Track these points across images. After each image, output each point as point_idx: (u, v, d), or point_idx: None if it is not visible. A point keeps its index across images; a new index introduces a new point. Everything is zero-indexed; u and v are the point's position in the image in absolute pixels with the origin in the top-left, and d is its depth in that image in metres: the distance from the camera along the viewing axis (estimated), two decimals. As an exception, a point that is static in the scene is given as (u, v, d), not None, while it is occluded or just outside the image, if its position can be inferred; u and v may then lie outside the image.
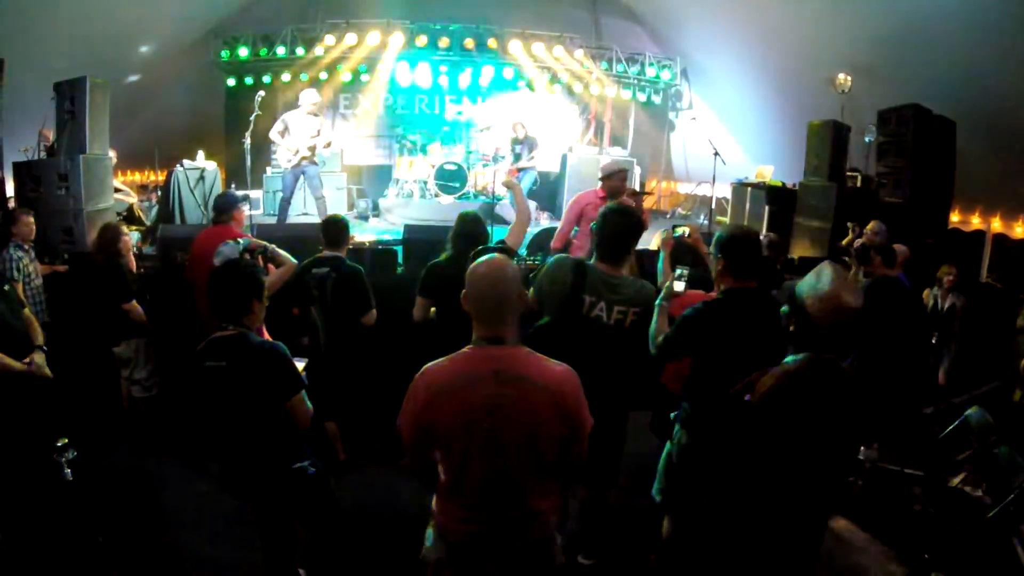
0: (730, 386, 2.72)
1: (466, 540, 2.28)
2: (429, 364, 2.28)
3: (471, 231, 4.35)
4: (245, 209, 5.51)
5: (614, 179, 5.78)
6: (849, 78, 8.72)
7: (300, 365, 3.25)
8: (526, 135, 11.00)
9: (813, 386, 2.40)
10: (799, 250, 8.27)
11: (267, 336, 3.11)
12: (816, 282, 2.39)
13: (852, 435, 2.53)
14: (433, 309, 4.42)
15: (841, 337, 2.40)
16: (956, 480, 4.44)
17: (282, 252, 4.22)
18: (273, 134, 8.76)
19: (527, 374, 2.19)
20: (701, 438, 3.21)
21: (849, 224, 6.86)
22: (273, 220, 9.32)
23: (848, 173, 8.61)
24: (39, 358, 3.93)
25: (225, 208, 5.15)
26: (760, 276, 3.22)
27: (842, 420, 2.41)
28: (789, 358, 2.49)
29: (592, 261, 3.39)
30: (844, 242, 6.63)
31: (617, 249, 3.35)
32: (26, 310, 4.24)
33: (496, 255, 2.33)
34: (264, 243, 4.22)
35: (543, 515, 2.30)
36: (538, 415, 2.17)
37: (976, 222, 8.33)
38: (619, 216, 3.39)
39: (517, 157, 11.18)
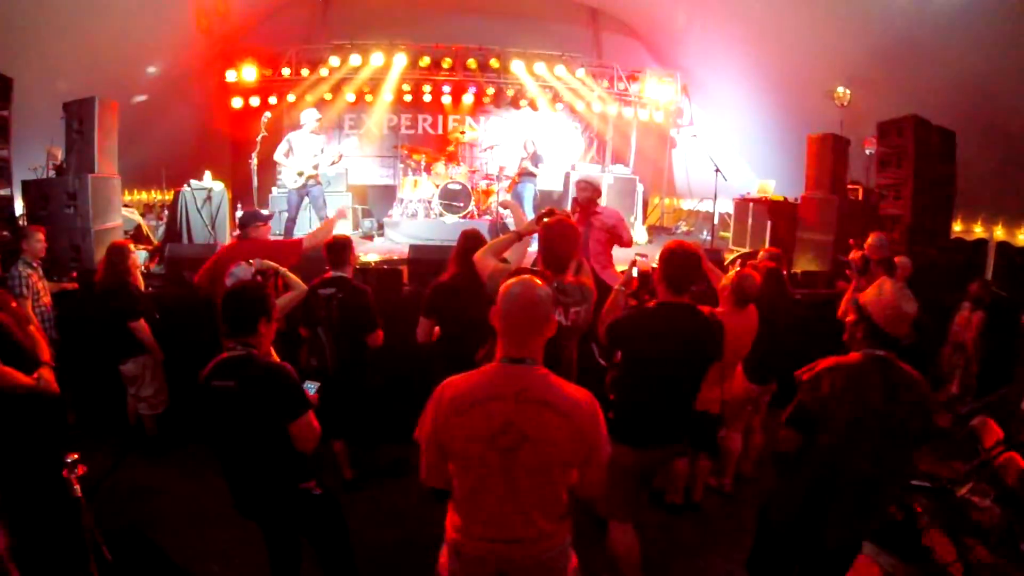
0: (650, 395, 3.32)
1: (480, 556, 2.30)
2: (451, 378, 2.32)
3: (473, 250, 4.38)
4: (269, 227, 5.60)
5: (579, 193, 5.99)
6: (848, 91, 8.78)
7: (313, 387, 3.28)
8: (535, 151, 11.05)
9: (865, 377, 2.74)
10: (802, 264, 8.28)
11: (275, 357, 3.13)
12: (879, 294, 2.82)
13: (907, 427, 2.71)
14: (437, 329, 4.47)
15: (898, 337, 2.78)
16: (964, 490, 4.44)
17: (293, 277, 4.29)
18: (278, 156, 8.83)
19: (548, 398, 2.21)
20: (628, 443, 3.38)
21: (851, 241, 6.86)
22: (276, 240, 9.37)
23: (849, 186, 8.65)
24: (47, 373, 3.96)
25: (246, 224, 5.27)
26: (703, 297, 3.49)
27: (894, 409, 2.69)
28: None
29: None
30: (847, 258, 6.59)
31: (559, 258, 3.60)
32: (31, 327, 4.27)
33: (529, 276, 2.37)
34: (276, 266, 4.29)
35: (555, 537, 2.31)
36: (554, 438, 2.19)
37: (979, 231, 8.33)
38: (556, 228, 3.64)
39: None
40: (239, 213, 10.14)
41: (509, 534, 2.26)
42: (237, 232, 5.45)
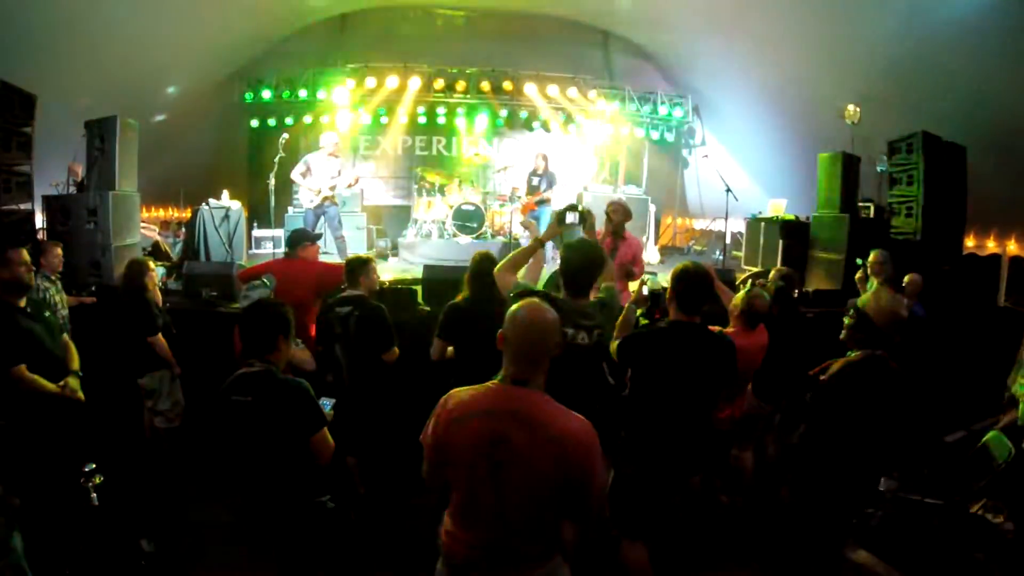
0: (662, 417, 3.37)
1: (467, 564, 2.33)
2: (455, 389, 2.39)
3: (486, 271, 4.42)
4: (317, 247, 5.83)
5: (612, 215, 5.99)
6: (858, 109, 8.79)
7: (328, 403, 3.33)
8: (546, 169, 11.03)
9: (868, 373, 3.17)
10: (814, 283, 8.27)
11: (291, 373, 3.19)
12: (876, 300, 3.27)
13: (898, 415, 3.19)
14: (451, 349, 4.52)
15: (893, 338, 3.23)
16: (977, 507, 4.39)
17: (304, 356, 4.39)
18: (295, 175, 8.97)
19: (543, 420, 2.24)
20: (640, 462, 3.44)
21: (858, 260, 6.80)
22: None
23: (861, 204, 8.64)
24: (73, 382, 4.05)
25: (296, 243, 5.53)
26: (714, 317, 3.69)
27: (888, 401, 3.14)
28: (851, 352, 3.35)
29: (562, 295, 3.56)
30: (857, 276, 6.49)
31: (582, 282, 3.53)
32: (64, 336, 4.37)
33: (537, 300, 2.42)
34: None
35: (534, 557, 2.33)
36: (542, 461, 2.21)
37: (991, 246, 8.29)
38: (580, 251, 3.57)
39: (534, 190, 11.05)
40: (256, 232, 10.29)
41: (492, 546, 2.30)
42: (285, 249, 5.59)
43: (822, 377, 3.27)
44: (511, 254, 3.91)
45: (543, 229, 10.67)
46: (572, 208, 3.94)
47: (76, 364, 4.21)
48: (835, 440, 3.20)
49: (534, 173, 11.09)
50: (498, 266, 3.79)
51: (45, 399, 3.90)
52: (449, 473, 2.37)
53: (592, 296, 3.62)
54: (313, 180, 8.88)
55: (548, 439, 2.21)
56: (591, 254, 3.57)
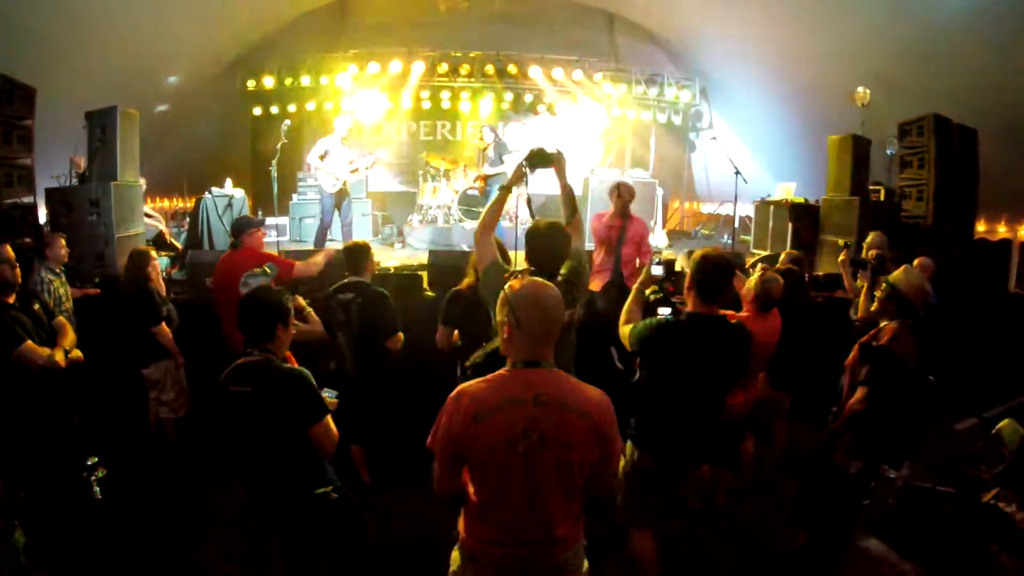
0: (675, 407, 3.33)
1: (496, 562, 2.28)
2: (465, 385, 2.29)
3: None
4: (263, 232, 5.59)
5: (625, 196, 6.06)
6: (868, 91, 8.68)
7: (332, 394, 3.28)
8: (495, 140, 10.72)
9: (916, 336, 3.52)
10: (825, 266, 8.18)
11: (293, 362, 3.15)
12: (907, 276, 3.64)
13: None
14: (456, 333, 4.48)
15: (919, 311, 3.59)
16: (989, 496, 4.35)
17: (315, 317, 4.19)
18: (313, 159, 8.92)
19: (566, 399, 2.22)
20: (650, 450, 3.39)
21: (840, 241, 6.59)
22: (298, 246, 9.50)
23: (871, 187, 8.54)
24: (57, 354, 3.96)
25: (239, 231, 5.31)
26: (726, 301, 3.54)
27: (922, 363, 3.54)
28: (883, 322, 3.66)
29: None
30: (840, 259, 6.15)
31: (550, 266, 3.30)
32: (60, 318, 4.33)
33: (539, 279, 2.36)
34: (304, 305, 4.14)
35: (572, 539, 2.32)
36: (574, 439, 2.20)
37: (1002, 231, 8.22)
38: (545, 235, 3.37)
39: (493, 163, 10.68)
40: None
41: (527, 538, 2.26)
42: (231, 240, 5.44)
43: (879, 342, 3.47)
44: (483, 213, 3.57)
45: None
46: (540, 152, 3.61)
47: (67, 341, 4.14)
48: (896, 400, 3.46)
49: (481, 150, 10.93)
50: (477, 231, 3.49)
51: (47, 387, 3.87)
52: (469, 474, 2.31)
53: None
54: (332, 165, 8.82)
55: (577, 414, 2.20)
56: (556, 237, 3.37)
